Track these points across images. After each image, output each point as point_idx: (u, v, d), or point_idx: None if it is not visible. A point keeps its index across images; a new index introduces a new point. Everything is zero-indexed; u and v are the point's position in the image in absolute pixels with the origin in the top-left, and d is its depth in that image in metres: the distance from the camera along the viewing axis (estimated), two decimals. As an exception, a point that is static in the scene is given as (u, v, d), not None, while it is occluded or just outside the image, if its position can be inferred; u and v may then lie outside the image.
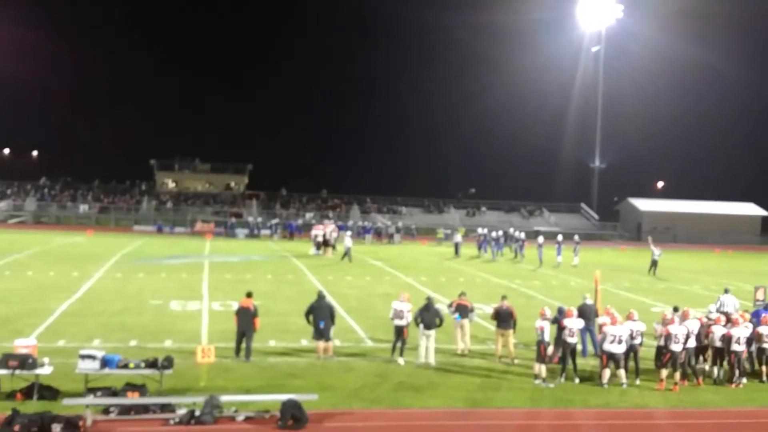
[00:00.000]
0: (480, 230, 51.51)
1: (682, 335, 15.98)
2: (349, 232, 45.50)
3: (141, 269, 33.63)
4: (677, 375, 15.92)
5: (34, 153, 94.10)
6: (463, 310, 18.45)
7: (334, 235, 45.13)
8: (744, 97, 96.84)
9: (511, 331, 17.70)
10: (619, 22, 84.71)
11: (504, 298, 18.42)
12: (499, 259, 46.58)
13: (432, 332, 17.12)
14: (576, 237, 46.99)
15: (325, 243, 44.67)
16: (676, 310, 18.13)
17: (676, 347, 15.85)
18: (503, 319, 17.75)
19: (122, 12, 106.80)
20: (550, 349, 15.87)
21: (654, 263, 39.39)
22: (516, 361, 17.53)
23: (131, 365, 13.93)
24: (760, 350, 16.99)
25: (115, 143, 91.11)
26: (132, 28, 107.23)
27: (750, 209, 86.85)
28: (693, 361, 16.39)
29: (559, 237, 45.82)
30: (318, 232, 46.12)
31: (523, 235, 49.32)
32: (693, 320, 16.96)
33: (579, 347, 17.39)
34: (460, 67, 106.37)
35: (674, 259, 40.95)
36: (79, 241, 48.95)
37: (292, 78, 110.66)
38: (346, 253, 41.39)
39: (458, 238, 49.96)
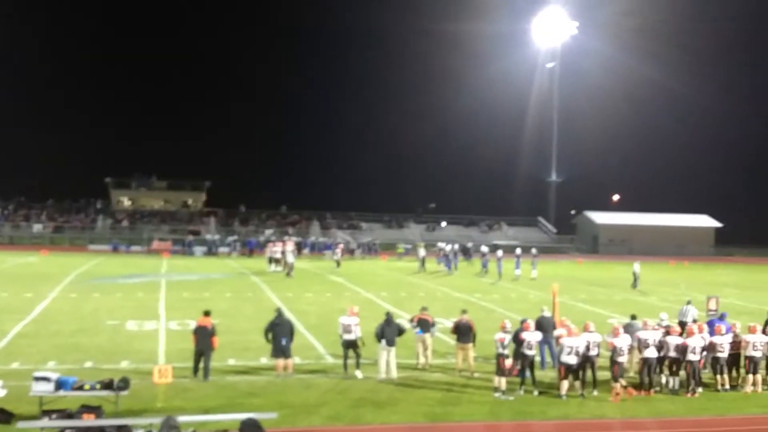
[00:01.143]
0: (440, 245, 51.81)
1: (627, 346, 16.29)
2: (291, 248, 45.06)
3: (96, 289, 33.09)
4: (622, 381, 16.13)
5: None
6: (424, 325, 18.49)
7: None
8: (696, 112, 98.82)
9: (470, 345, 17.79)
10: (573, 38, 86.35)
11: (464, 312, 18.51)
12: (455, 272, 46.78)
13: (393, 348, 17.15)
14: (534, 250, 47.46)
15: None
16: (633, 318, 18.54)
17: (621, 359, 16.14)
18: (463, 333, 17.82)
19: (78, 28, 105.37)
20: (509, 362, 15.99)
21: (635, 278, 40.64)
22: (476, 374, 17.61)
23: (86, 387, 13.69)
24: (714, 359, 17.31)
25: (69, 161, 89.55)
26: (88, 45, 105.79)
27: (704, 221, 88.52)
28: (651, 372, 16.59)
29: (518, 250, 46.27)
30: (277, 248, 46.02)
31: (487, 249, 49.65)
32: (651, 330, 17.22)
33: (537, 359, 17.56)
34: (417, 81, 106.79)
35: (630, 271, 41.62)
36: (32, 261, 48.01)
37: (249, 94, 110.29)
38: (289, 269, 41.76)
39: (422, 252, 50.13)
